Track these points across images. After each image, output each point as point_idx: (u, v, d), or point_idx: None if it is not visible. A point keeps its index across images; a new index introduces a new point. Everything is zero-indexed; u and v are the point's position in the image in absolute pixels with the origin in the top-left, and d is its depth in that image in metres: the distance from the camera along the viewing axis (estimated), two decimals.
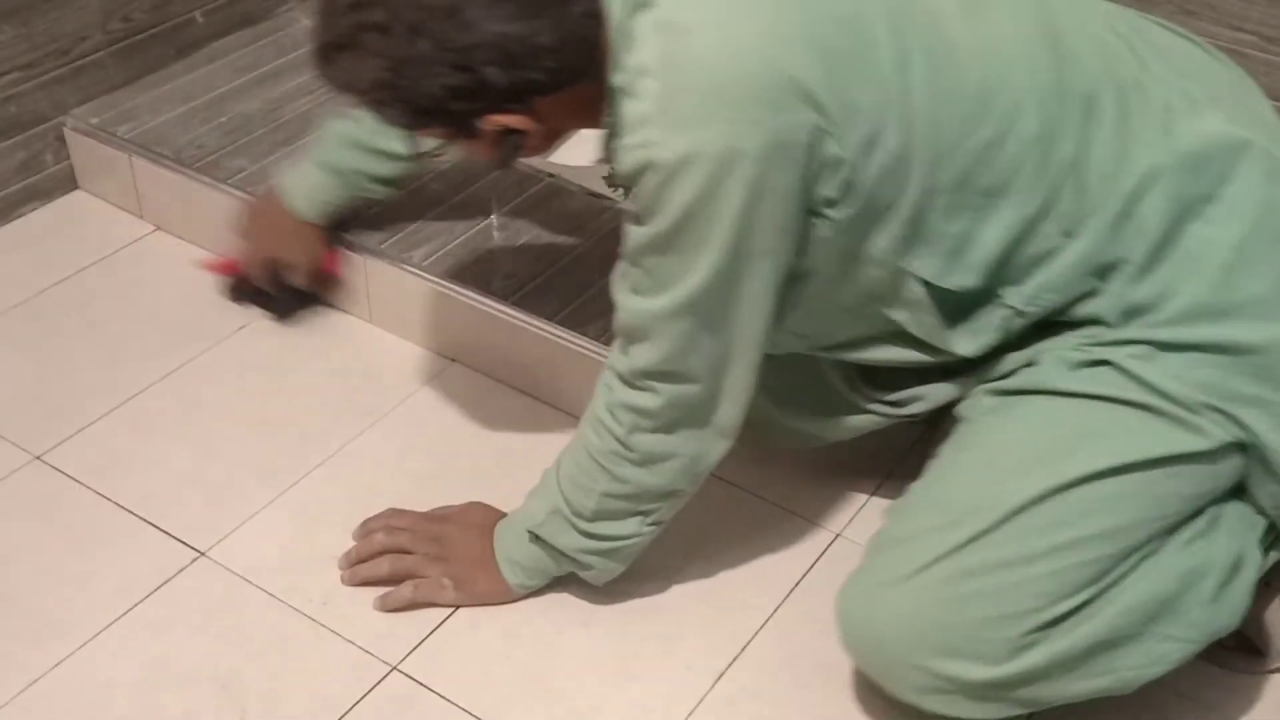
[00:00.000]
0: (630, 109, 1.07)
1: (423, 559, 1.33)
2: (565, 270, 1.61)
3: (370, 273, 1.64)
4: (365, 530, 1.37)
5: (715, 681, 1.28)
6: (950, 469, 1.20)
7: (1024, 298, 1.16)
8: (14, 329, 1.67)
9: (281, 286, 1.64)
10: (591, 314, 1.54)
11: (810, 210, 1.10)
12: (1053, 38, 1.14)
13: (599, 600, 1.34)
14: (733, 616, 1.33)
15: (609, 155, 1.14)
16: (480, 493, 1.40)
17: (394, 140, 1.53)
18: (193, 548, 1.39)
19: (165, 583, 1.35)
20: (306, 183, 1.59)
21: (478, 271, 1.60)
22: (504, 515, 1.34)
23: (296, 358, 1.64)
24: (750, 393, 1.19)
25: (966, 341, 1.20)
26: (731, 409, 1.20)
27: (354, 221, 1.66)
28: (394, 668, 1.28)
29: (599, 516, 1.24)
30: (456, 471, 1.48)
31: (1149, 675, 1.14)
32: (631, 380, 1.18)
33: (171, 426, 1.53)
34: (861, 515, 1.44)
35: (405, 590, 1.32)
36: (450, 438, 1.53)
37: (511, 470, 1.45)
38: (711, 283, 1.10)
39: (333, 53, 1.10)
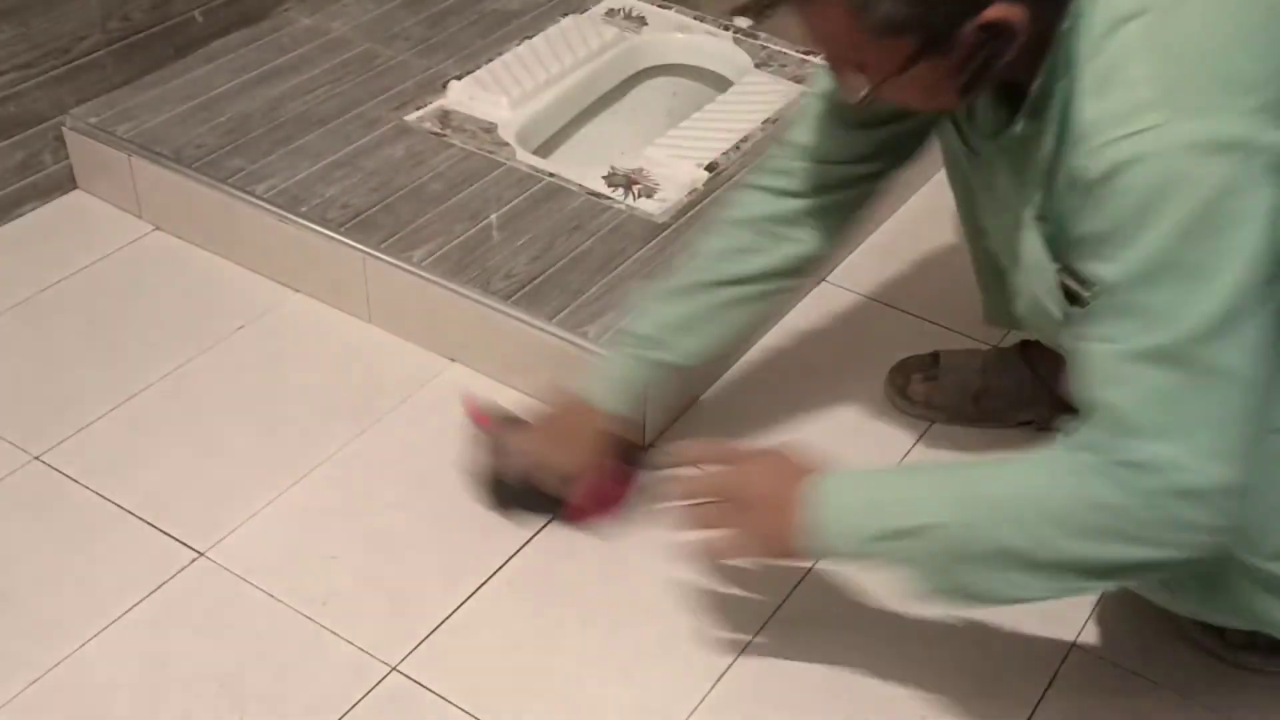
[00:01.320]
0: (1101, 101, 0.96)
1: (732, 510, 1.19)
2: (565, 270, 1.61)
3: (370, 273, 1.64)
4: (685, 458, 1.25)
5: (715, 682, 1.28)
6: None
7: None
8: (13, 329, 1.67)
9: (529, 489, 1.40)
10: (592, 314, 1.54)
11: None
12: None
13: (599, 600, 1.34)
14: (733, 616, 1.33)
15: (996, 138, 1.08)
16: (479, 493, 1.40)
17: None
18: (192, 548, 1.39)
19: (165, 583, 1.35)
20: (612, 364, 1.39)
21: (478, 271, 1.60)
22: (809, 469, 1.17)
23: (296, 358, 1.64)
24: None
25: None
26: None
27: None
28: (393, 668, 1.28)
29: (979, 562, 1.07)
30: (456, 471, 1.48)
31: None
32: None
33: (171, 426, 1.53)
34: None
35: (720, 542, 1.18)
36: (450, 438, 1.53)
37: None
38: (1238, 306, 0.95)
39: None
